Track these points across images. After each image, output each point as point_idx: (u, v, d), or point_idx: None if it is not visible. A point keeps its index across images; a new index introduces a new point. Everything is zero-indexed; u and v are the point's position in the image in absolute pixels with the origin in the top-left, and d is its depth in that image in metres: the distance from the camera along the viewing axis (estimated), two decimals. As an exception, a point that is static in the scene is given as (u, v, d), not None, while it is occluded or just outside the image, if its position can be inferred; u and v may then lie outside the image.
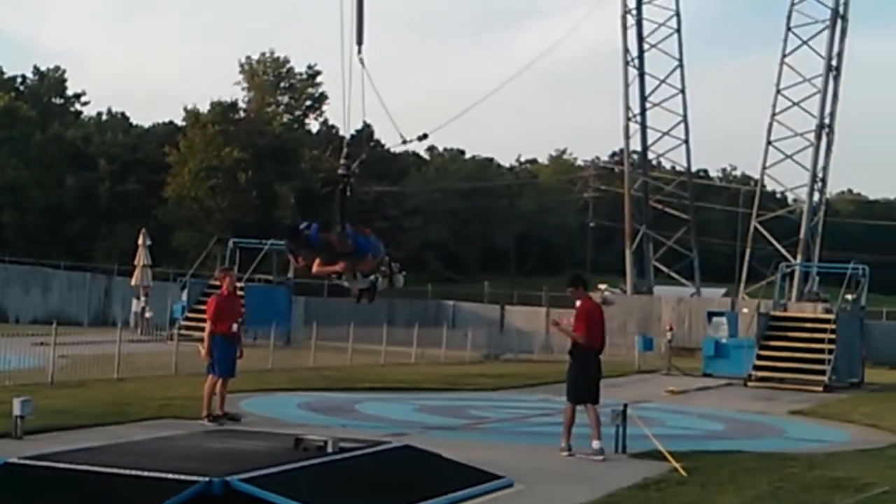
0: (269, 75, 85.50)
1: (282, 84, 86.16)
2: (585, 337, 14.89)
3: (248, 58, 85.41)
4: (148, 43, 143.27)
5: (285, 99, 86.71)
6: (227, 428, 15.24)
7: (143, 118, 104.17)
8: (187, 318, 36.79)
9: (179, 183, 66.50)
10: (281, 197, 66.88)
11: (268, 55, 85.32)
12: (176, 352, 24.99)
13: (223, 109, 71.03)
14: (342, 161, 12.64)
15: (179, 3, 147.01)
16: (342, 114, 12.41)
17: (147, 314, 39.91)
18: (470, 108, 13.94)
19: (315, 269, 12.34)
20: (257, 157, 67.81)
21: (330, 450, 9.28)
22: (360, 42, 12.48)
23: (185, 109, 72.06)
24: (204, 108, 70.84)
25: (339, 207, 12.44)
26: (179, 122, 75.89)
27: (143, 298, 41.64)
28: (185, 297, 39.83)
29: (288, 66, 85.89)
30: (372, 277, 12.49)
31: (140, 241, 42.42)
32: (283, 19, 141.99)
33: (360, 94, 12.27)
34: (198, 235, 61.39)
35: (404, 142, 13.26)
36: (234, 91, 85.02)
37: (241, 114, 76.18)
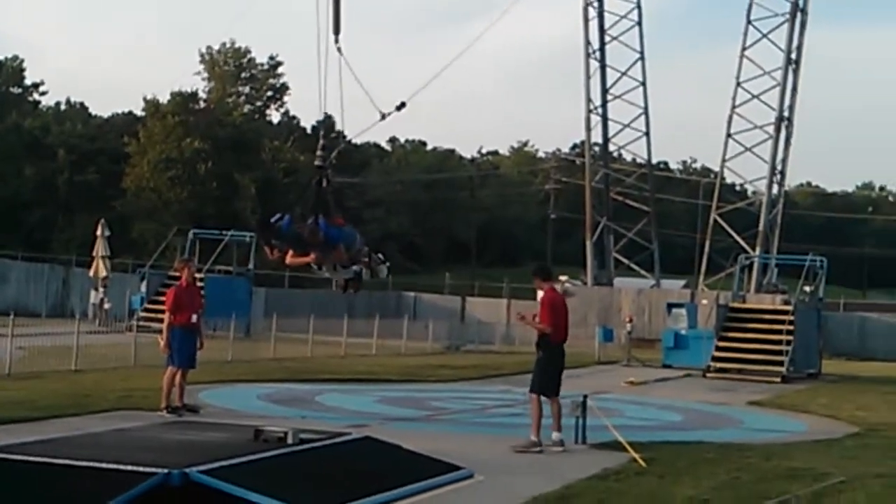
0: (229, 65, 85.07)
1: (242, 74, 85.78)
2: (553, 328, 14.87)
3: (209, 48, 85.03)
4: (107, 32, 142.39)
5: (246, 89, 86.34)
6: (186, 419, 15.18)
7: (102, 108, 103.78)
8: (146, 310, 36.61)
9: (139, 173, 66.01)
10: (241, 188, 66.54)
11: (228, 45, 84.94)
12: (135, 343, 24.86)
13: (183, 100, 70.51)
14: (319, 153, 12.78)
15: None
16: (318, 104, 12.54)
17: (106, 305, 39.67)
18: (414, 94, 13.75)
19: (288, 259, 12.59)
20: (217, 148, 67.40)
21: (290, 441, 9.26)
22: (336, 32, 12.77)
23: (145, 99, 71.56)
24: (164, 98, 70.42)
25: (315, 198, 12.56)
26: (139, 112, 75.42)
27: (101, 290, 41.35)
28: (144, 288, 39.59)
29: (249, 56, 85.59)
30: (356, 268, 12.71)
31: (98, 232, 42.11)
32: (243, 9, 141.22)
33: (337, 81, 12.43)
34: (157, 226, 60.99)
35: (383, 116, 13.32)
36: (195, 81, 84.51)
37: (202, 104, 75.71)
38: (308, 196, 12.91)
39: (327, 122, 13.68)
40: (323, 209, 12.51)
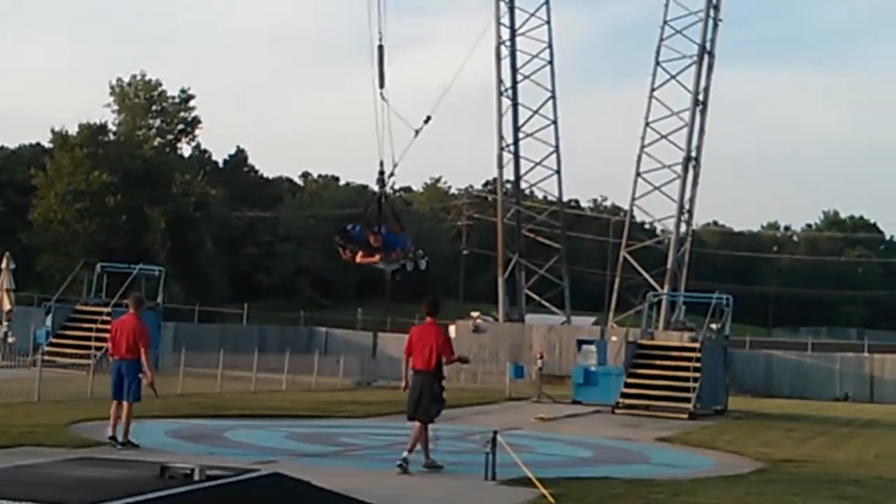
0: (140, 98, 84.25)
1: (153, 107, 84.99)
2: (407, 356, 16.08)
3: (119, 80, 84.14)
4: (14, 62, 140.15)
5: (157, 122, 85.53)
6: (90, 456, 14.90)
7: (8, 139, 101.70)
8: (52, 344, 35.93)
9: (46, 206, 64.98)
10: (151, 221, 65.80)
11: (139, 77, 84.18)
12: (39, 378, 24.35)
13: (92, 132, 69.62)
14: (378, 177, 16.96)
15: (48, 23, 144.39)
16: (376, 140, 16.56)
17: (9, 339, 38.81)
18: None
19: (358, 259, 16.24)
20: (127, 181, 66.62)
21: (197, 478, 9.12)
22: (381, 85, 16.93)
23: (53, 131, 70.52)
24: (72, 129, 69.46)
25: (378, 212, 16.64)
26: (47, 143, 74.26)
27: (5, 323, 40.46)
28: (49, 322, 38.87)
29: (160, 88, 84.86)
30: (402, 261, 16.66)
31: (3, 265, 41.25)
32: (156, 41, 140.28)
33: (384, 124, 16.54)
34: (64, 259, 60.02)
35: (416, 133, 17.19)
36: (104, 113, 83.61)
37: (111, 136, 74.81)
38: (372, 211, 16.95)
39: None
40: (383, 220, 16.48)
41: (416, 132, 17.23)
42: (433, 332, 16.05)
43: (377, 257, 16.13)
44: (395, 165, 16.94)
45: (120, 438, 16.80)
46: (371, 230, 16.11)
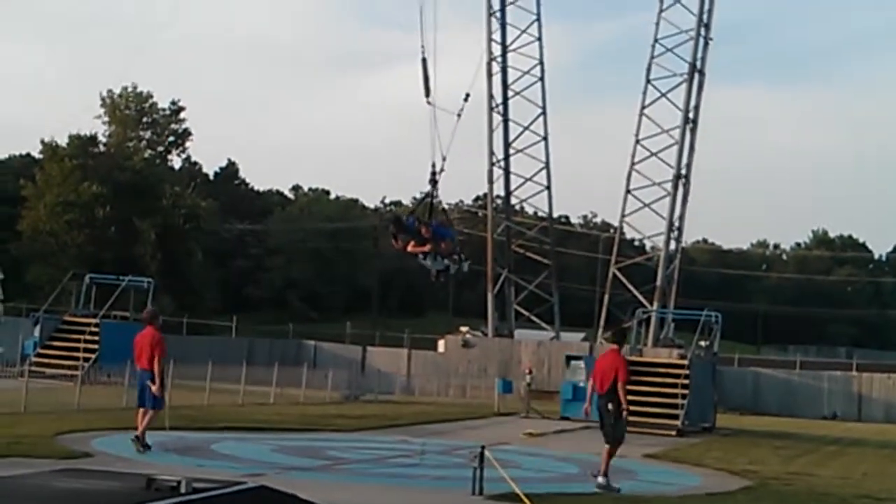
0: (130, 109, 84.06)
1: (144, 119, 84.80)
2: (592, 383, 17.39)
3: (110, 91, 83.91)
4: (4, 73, 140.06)
5: (147, 134, 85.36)
6: (76, 467, 14.84)
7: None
8: (39, 355, 35.82)
9: (35, 217, 64.83)
10: (141, 233, 65.64)
11: (130, 89, 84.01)
12: (26, 388, 24.26)
13: (82, 143, 69.51)
14: (431, 178, 19.04)
15: (39, 33, 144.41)
16: (430, 145, 18.58)
17: (-3, 350, 38.70)
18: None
19: (410, 248, 17.97)
20: (117, 193, 66.48)
21: (183, 490, 9.08)
22: (427, 94, 18.99)
23: (43, 142, 70.36)
24: (62, 141, 69.33)
25: (429, 207, 18.98)
26: (37, 154, 74.12)
27: (-7, 334, 40.36)
28: (37, 332, 38.75)
29: (151, 100, 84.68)
30: (446, 262, 18.23)
31: (-8, 276, 41.24)
32: (147, 53, 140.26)
33: (433, 126, 18.57)
34: (53, 270, 59.84)
35: (458, 115, 19.24)
36: (95, 124, 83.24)
37: (101, 148, 74.68)
38: (424, 205, 19.38)
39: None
40: (433, 215, 18.69)
41: (458, 115, 19.11)
42: (610, 358, 17.38)
43: (428, 247, 17.89)
44: (443, 160, 18.66)
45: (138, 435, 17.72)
46: (423, 222, 18.25)
